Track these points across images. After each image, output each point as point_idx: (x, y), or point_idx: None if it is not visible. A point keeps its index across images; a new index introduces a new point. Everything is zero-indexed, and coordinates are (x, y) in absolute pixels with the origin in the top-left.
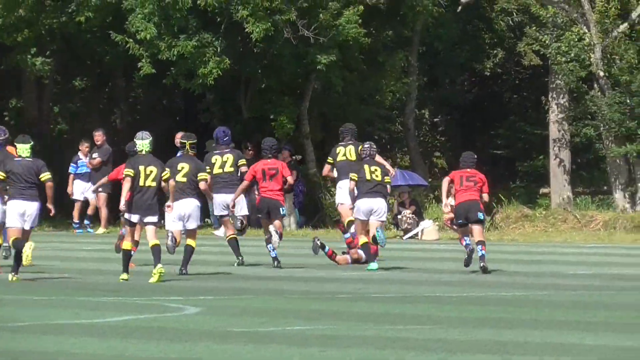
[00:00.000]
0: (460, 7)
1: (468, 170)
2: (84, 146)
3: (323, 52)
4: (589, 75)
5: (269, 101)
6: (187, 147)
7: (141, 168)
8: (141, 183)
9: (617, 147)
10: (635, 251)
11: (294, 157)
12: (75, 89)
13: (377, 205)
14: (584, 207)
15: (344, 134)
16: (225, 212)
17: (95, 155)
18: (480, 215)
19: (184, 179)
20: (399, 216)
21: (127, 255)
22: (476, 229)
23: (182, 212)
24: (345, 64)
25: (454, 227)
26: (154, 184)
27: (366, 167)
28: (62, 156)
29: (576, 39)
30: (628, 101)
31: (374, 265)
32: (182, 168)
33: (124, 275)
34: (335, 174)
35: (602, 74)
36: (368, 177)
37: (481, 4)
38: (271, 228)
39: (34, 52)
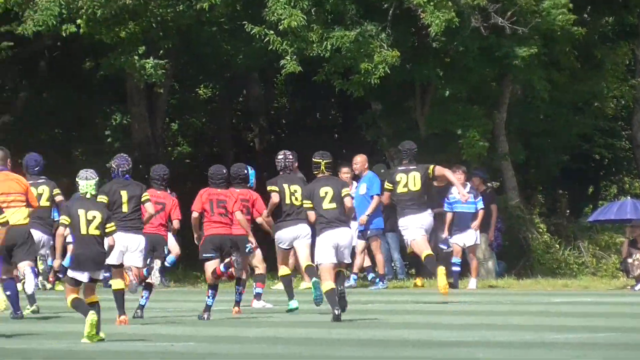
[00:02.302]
0: None
1: (219, 190)
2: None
3: (522, 44)
4: None
5: (454, 112)
6: (322, 167)
7: (81, 212)
8: (82, 231)
9: None
10: None
11: (489, 185)
12: (198, 99)
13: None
14: None
15: (403, 155)
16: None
17: None
18: None
19: (333, 205)
20: (630, 260)
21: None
22: None
23: (336, 242)
24: (551, 61)
25: None
26: (97, 232)
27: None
28: (184, 186)
29: None
30: None
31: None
32: (326, 193)
33: None
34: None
35: None
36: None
37: None
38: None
39: (142, 51)
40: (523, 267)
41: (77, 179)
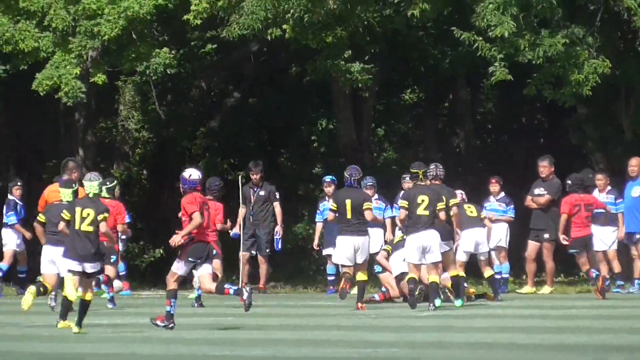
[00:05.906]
0: None
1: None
2: None
3: None
4: None
5: None
6: (421, 176)
7: (77, 210)
8: (76, 226)
9: None
10: None
11: None
12: (404, 104)
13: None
14: None
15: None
16: None
17: (539, 190)
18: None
19: (426, 212)
20: None
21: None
22: None
23: (423, 244)
24: None
25: None
26: (90, 228)
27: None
28: (396, 191)
29: None
30: None
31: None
32: (423, 201)
33: None
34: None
35: None
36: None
37: None
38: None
39: (348, 56)
40: None
41: (83, 180)
